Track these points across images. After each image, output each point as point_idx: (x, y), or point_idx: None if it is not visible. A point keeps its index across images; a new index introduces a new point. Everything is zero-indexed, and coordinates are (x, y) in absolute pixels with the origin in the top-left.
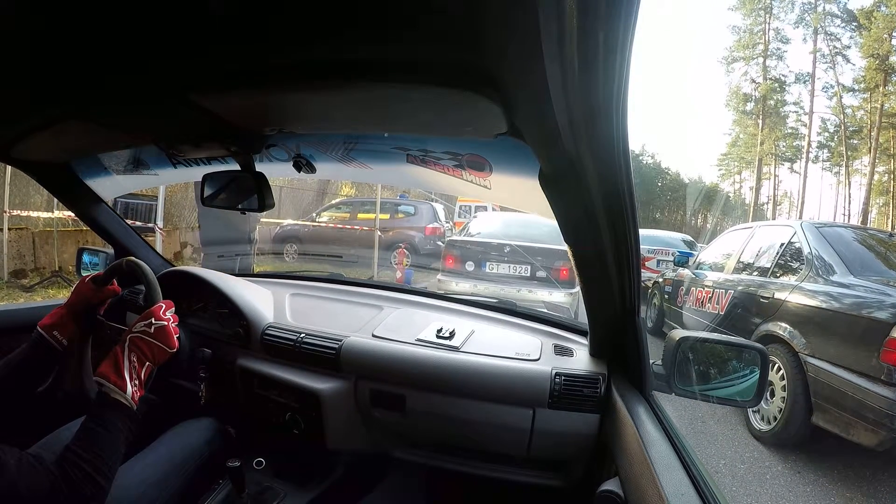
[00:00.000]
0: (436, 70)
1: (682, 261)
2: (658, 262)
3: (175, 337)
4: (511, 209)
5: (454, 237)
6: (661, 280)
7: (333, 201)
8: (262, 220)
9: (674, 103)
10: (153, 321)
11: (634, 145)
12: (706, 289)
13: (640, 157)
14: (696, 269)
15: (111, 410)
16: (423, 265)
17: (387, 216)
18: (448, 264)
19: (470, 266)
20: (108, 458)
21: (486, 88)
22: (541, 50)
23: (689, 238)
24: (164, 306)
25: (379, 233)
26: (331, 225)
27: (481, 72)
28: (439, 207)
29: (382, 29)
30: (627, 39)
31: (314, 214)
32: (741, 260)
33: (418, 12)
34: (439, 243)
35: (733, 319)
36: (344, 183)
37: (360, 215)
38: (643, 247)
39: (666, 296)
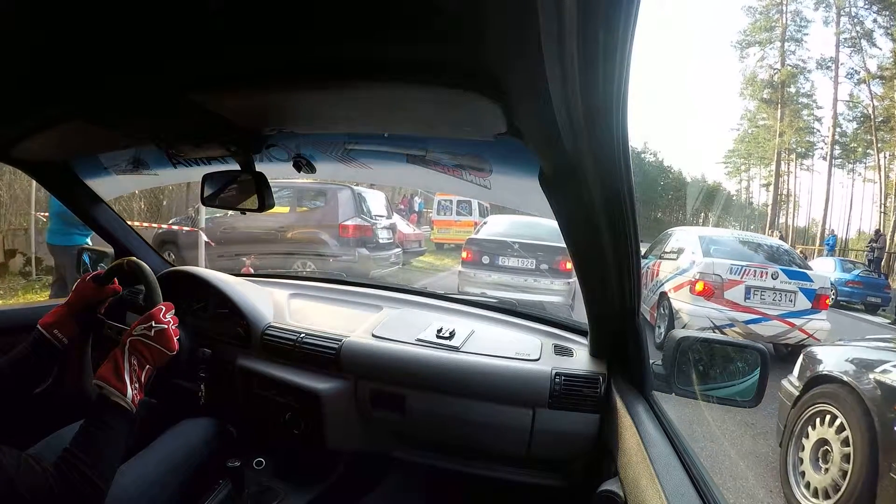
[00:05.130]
0: (436, 70)
1: None
2: (749, 291)
3: (175, 339)
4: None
5: (473, 236)
6: (870, 388)
7: None
8: (143, 224)
9: (677, 99)
10: (153, 324)
11: (636, 143)
12: None
13: (643, 156)
14: None
15: (111, 413)
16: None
17: (286, 209)
18: (467, 258)
19: (486, 259)
20: (106, 461)
21: (486, 88)
22: (541, 50)
23: (779, 243)
24: (164, 308)
25: (205, 237)
26: (223, 228)
27: (481, 72)
28: (374, 196)
29: (382, 29)
30: (627, 39)
31: (191, 212)
32: None
33: (418, 12)
34: (362, 251)
35: None
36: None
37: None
38: (721, 261)
39: None
